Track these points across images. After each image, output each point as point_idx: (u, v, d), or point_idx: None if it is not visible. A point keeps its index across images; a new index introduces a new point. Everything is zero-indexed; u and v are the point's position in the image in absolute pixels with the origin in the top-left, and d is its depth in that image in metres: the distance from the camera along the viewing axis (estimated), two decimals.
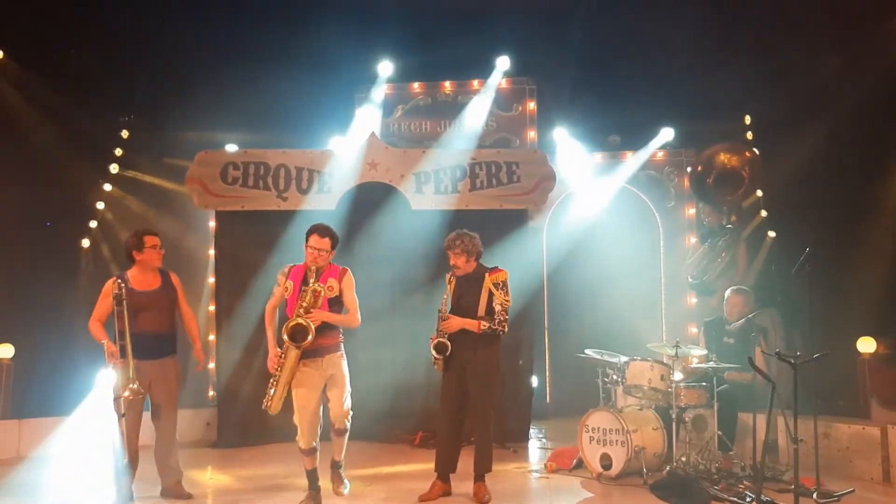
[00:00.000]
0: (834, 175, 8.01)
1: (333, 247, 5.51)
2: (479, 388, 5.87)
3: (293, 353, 5.30)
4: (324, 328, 5.38)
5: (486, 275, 5.91)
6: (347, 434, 5.59)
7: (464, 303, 5.92)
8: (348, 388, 5.51)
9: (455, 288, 6.03)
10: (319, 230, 5.46)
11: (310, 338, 5.23)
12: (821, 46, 8.10)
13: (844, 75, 7.93)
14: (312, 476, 5.60)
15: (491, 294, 5.88)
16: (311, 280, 5.36)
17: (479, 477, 5.92)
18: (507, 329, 5.90)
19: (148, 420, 5.93)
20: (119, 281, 5.74)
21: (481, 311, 5.87)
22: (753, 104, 9.19)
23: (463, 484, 6.02)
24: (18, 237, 8.44)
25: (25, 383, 7.97)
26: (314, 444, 5.50)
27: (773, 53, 8.62)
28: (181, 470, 6.04)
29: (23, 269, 8.43)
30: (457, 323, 5.85)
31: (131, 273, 5.87)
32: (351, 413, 5.54)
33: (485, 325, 5.81)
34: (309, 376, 5.42)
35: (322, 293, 5.39)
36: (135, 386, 5.52)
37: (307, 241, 5.45)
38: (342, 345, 5.61)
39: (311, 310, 5.32)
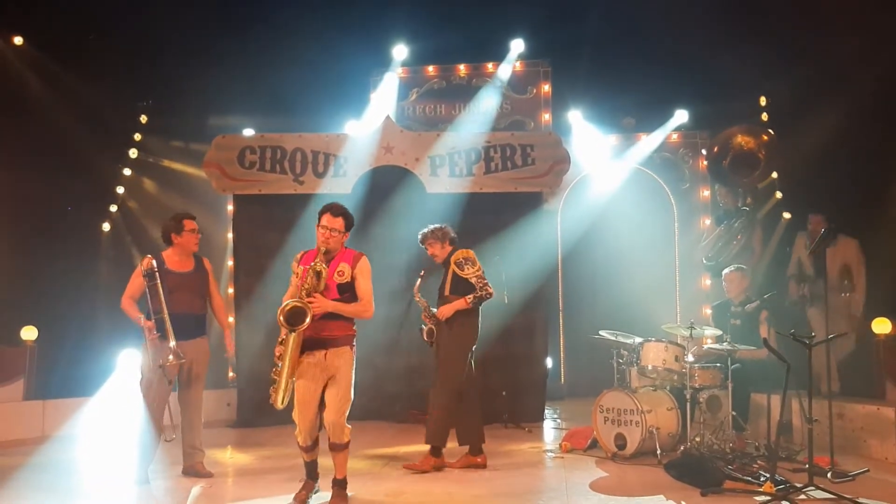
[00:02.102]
0: (849, 156, 7.98)
1: (348, 228, 5.16)
2: (443, 363, 6.23)
3: (292, 341, 4.88)
4: (330, 318, 5.02)
5: (451, 257, 6.26)
6: (348, 449, 5.11)
7: (436, 286, 6.35)
8: (350, 397, 5.04)
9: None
10: (333, 209, 5.12)
11: (307, 321, 4.82)
12: (837, 27, 8.05)
13: (860, 56, 7.88)
14: (311, 466, 5.23)
15: (455, 274, 6.23)
16: (316, 261, 4.99)
17: (435, 451, 6.18)
18: (491, 290, 6.22)
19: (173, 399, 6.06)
20: (153, 258, 5.85)
21: (447, 290, 6.25)
22: (769, 85, 9.15)
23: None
24: (40, 221, 8.61)
25: (49, 365, 8.10)
26: (310, 442, 5.09)
27: (789, 34, 8.58)
28: (203, 450, 6.15)
29: (45, 252, 8.59)
30: (448, 310, 6.19)
31: (166, 254, 5.99)
32: (349, 428, 5.07)
33: (470, 297, 6.17)
34: (310, 368, 5.00)
35: (324, 274, 4.98)
36: (176, 347, 5.64)
37: (319, 220, 5.12)
38: (353, 339, 5.16)
39: (314, 294, 4.94)
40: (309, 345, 5.00)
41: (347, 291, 5.09)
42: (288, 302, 4.91)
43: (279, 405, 4.95)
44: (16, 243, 8.37)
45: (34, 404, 7.78)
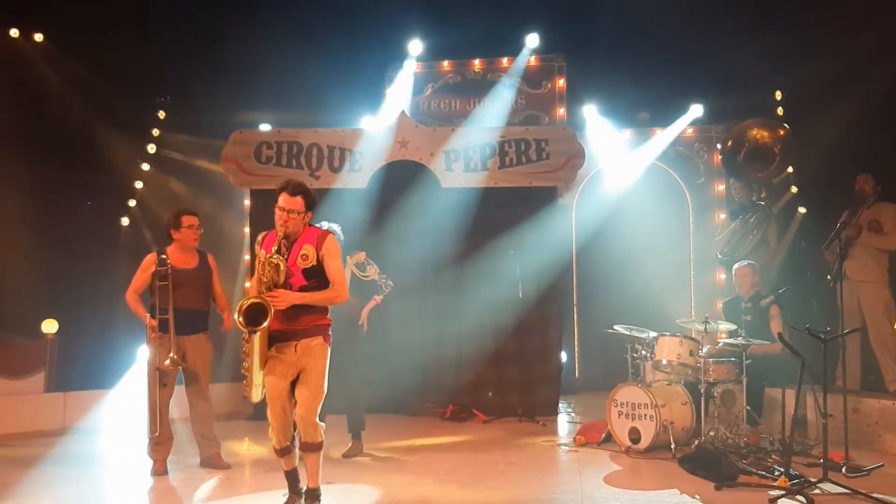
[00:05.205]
0: (865, 151, 7.93)
1: (309, 207, 4.62)
2: (347, 358, 6.48)
3: (256, 340, 4.43)
4: (300, 308, 4.52)
5: (349, 258, 6.57)
6: (321, 452, 4.68)
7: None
8: (323, 391, 4.59)
9: None
10: (289, 186, 4.58)
11: (265, 323, 4.37)
12: (853, 21, 7.99)
13: (876, 50, 7.83)
14: (292, 477, 4.78)
15: (353, 274, 6.60)
16: (272, 253, 4.50)
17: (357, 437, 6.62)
18: (391, 282, 6.84)
19: (182, 394, 6.14)
20: (163, 256, 5.92)
21: None
22: (784, 79, 9.11)
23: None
24: (60, 216, 8.72)
25: (69, 358, 8.21)
26: (287, 443, 4.66)
27: (804, 28, 8.53)
28: (218, 441, 6.22)
29: (65, 247, 8.70)
30: (365, 315, 6.70)
31: (170, 250, 6.04)
32: (323, 426, 4.64)
33: (380, 297, 6.77)
34: (279, 364, 4.54)
35: (282, 266, 4.48)
36: (174, 355, 5.73)
37: (276, 202, 4.58)
38: (328, 329, 4.67)
39: (276, 288, 4.45)
40: (278, 337, 4.55)
41: (315, 277, 4.58)
42: (245, 300, 4.46)
43: (253, 399, 4.64)
44: (36, 237, 8.48)
45: (55, 396, 7.88)
